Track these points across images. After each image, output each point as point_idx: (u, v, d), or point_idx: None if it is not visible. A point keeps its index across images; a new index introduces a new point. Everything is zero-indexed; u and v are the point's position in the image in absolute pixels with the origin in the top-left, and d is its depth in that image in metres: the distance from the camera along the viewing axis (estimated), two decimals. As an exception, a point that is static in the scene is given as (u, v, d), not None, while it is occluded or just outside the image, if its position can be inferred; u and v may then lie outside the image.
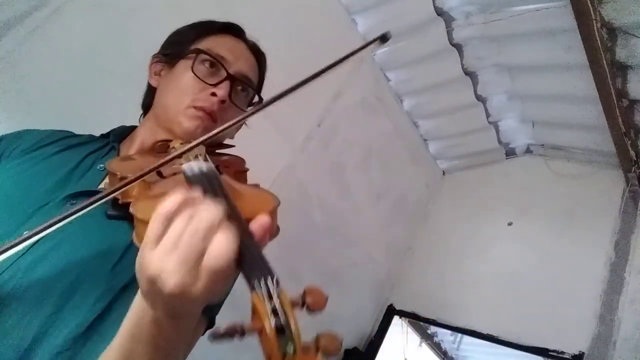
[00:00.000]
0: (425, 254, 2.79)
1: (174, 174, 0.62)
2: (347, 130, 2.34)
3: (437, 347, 3.75)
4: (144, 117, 0.89)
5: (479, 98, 2.50)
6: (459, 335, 3.00)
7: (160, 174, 0.62)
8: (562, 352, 2.04)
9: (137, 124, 0.90)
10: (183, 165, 0.57)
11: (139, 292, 0.46)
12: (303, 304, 0.38)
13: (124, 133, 0.86)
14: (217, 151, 0.85)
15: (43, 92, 1.26)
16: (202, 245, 0.38)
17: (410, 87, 2.57)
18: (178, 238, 0.39)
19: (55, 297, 0.58)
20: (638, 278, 2.07)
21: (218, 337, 0.35)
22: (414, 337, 3.48)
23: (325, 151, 2.26)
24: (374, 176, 2.59)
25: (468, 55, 2.30)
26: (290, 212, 2.09)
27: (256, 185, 0.68)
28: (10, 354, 0.54)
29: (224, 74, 0.79)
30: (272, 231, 0.43)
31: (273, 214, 0.52)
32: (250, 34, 0.91)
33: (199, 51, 0.80)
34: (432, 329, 3.49)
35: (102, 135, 0.86)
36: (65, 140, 0.80)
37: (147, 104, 0.88)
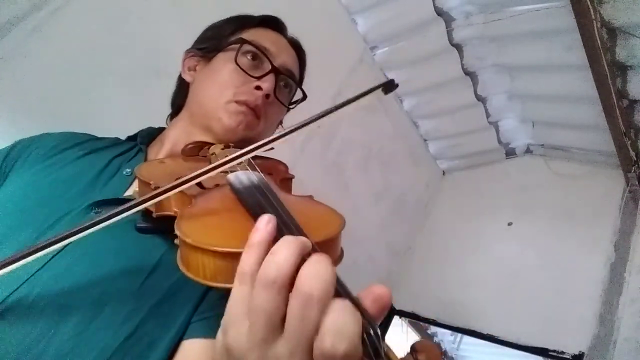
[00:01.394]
0: (425, 254, 2.79)
1: (217, 184, 0.55)
2: (347, 130, 2.34)
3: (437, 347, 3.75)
4: (172, 117, 0.83)
5: (479, 98, 2.50)
6: (459, 335, 2.99)
7: (200, 185, 0.54)
8: (562, 352, 2.04)
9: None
10: (229, 176, 0.52)
11: None
12: None
13: (151, 135, 0.80)
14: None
15: (43, 92, 1.26)
16: (314, 327, 0.29)
17: (410, 87, 2.57)
18: (271, 316, 0.30)
19: (78, 316, 0.50)
20: (638, 278, 2.06)
21: None
22: (414, 337, 3.48)
23: (325, 151, 2.26)
24: (374, 176, 2.59)
25: (468, 55, 2.30)
26: (290, 212, 2.08)
27: (310, 198, 0.59)
28: None
29: (268, 66, 0.74)
30: (387, 301, 0.34)
31: (340, 236, 0.45)
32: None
33: (243, 41, 0.73)
34: (432, 329, 3.49)
35: (129, 138, 0.81)
36: (88, 144, 0.75)
37: (179, 103, 0.82)
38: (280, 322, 0.31)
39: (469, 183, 2.94)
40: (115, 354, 0.49)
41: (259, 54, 0.74)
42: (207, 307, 0.56)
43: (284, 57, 0.78)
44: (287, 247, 0.32)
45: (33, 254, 0.42)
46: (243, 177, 0.51)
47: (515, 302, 2.28)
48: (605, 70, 1.81)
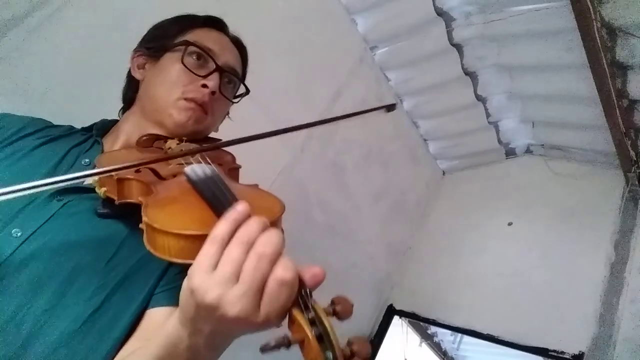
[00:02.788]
0: (425, 254, 2.79)
1: (173, 175, 0.62)
2: (347, 130, 2.34)
3: (437, 347, 3.75)
4: (124, 111, 0.88)
5: (479, 98, 2.50)
6: (459, 335, 2.99)
7: (157, 175, 0.62)
8: (562, 352, 2.04)
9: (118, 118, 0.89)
10: (186, 169, 0.58)
11: (173, 318, 0.47)
12: (334, 312, 0.41)
13: (106, 127, 0.85)
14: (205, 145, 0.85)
15: (43, 92, 1.26)
16: (267, 273, 0.40)
17: (410, 87, 2.57)
18: (238, 265, 0.41)
19: (49, 292, 0.57)
20: (638, 278, 2.06)
21: (269, 349, 0.39)
22: (414, 337, 3.48)
23: (325, 151, 2.26)
24: (374, 176, 2.59)
25: (468, 55, 2.30)
26: (290, 212, 2.08)
27: (255, 186, 0.68)
28: (4, 351, 0.53)
29: (212, 65, 0.80)
30: (320, 279, 0.44)
31: (281, 218, 0.55)
32: (247, 32, 0.91)
33: (188, 43, 0.79)
34: (432, 329, 3.49)
35: (83, 129, 0.85)
36: (45, 131, 0.78)
37: (129, 98, 0.87)
38: (239, 271, 0.41)
39: (469, 183, 2.94)
40: (85, 325, 0.57)
41: (204, 54, 0.80)
42: (168, 280, 0.65)
43: (227, 56, 0.83)
44: (257, 222, 0.43)
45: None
46: (198, 169, 0.57)
47: (515, 302, 2.28)
48: (605, 70, 1.81)
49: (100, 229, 0.64)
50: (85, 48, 1.34)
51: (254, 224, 0.43)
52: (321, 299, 0.42)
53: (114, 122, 0.86)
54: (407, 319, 2.82)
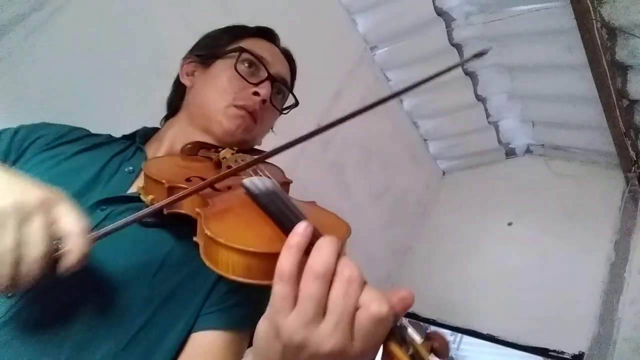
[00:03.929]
0: (425, 254, 2.79)
1: (228, 187, 0.58)
2: (347, 130, 2.34)
3: (437, 347, 3.75)
4: (167, 118, 0.86)
5: (479, 98, 2.50)
6: (459, 335, 2.99)
7: (212, 186, 0.57)
8: (562, 352, 2.04)
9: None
10: (244, 181, 0.55)
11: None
12: (431, 349, 0.39)
13: (148, 134, 0.83)
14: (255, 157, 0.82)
15: (43, 92, 1.26)
16: (357, 300, 0.37)
17: (410, 87, 2.56)
18: (319, 300, 0.37)
19: (90, 309, 0.54)
20: (638, 278, 2.06)
21: None
22: (413, 338, 3.47)
23: (325, 151, 2.26)
24: (374, 176, 2.58)
25: (468, 55, 2.30)
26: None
27: (313, 203, 0.64)
28: None
29: (264, 74, 0.79)
30: (410, 302, 0.42)
31: (345, 247, 0.50)
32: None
33: (242, 49, 0.78)
34: (432, 329, 3.49)
35: (124, 137, 0.83)
36: (86, 139, 0.76)
37: (175, 105, 0.86)
38: (324, 307, 0.37)
39: (469, 183, 2.94)
40: (130, 343, 0.54)
41: (256, 62, 0.79)
42: (216, 300, 0.61)
43: (279, 66, 0.83)
44: (329, 245, 0.38)
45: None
46: (258, 182, 0.54)
47: (515, 302, 2.28)
48: (605, 70, 1.81)
49: (145, 240, 0.60)
50: (86, 48, 1.34)
51: (326, 248, 0.38)
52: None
53: (155, 130, 0.85)
54: (407, 319, 2.80)
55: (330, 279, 0.38)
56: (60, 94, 1.28)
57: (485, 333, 2.30)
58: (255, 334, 0.42)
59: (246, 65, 0.78)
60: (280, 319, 0.38)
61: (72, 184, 0.64)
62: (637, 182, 2.23)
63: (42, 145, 0.72)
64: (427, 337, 0.39)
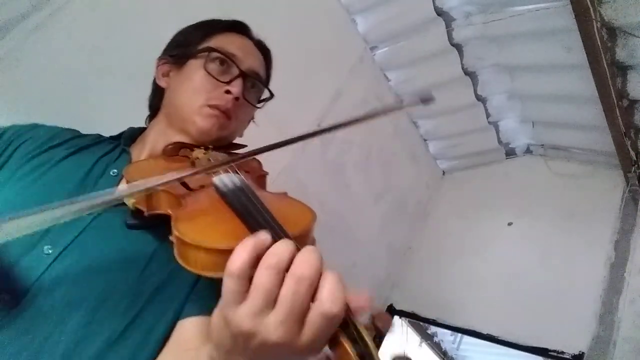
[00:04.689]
0: (425, 254, 2.79)
1: (202, 186, 0.61)
2: (347, 130, 2.33)
3: (437, 347, 3.75)
4: (150, 119, 0.87)
5: (479, 98, 2.50)
6: (459, 335, 2.99)
7: (186, 186, 0.61)
8: (562, 352, 2.04)
9: (142, 124, 0.88)
10: (214, 179, 0.58)
11: (204, 353, 0.46)
12: (376, 328, 0.41)
13: (133, 135, 0.84)
14: (232, 151, 0.83)
15: (44, 92, 1.26)
16: (307, 297, 0.38)
17: (410, 87, 2.57)
18: (269, 292, 0.38)
19: (83, 310, 0.57)
20: (638, 278, 2.06)
21: None
22: (414, 337, 3.48)
23: (325, 151, 2.26)
24: (374, 176, 2.59)
25: (468, 55, 2.30)
26: (290, 212, 2.08)
27: (284, 194, 0.66)
28: None
29: (235, 71, 0.79)
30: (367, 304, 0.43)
31: (313, 228, 0.53)
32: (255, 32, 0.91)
33: (210, 49, 0.79)
34: (432, 329, 3.49)
35: (112, 137, 0.84)
36: (74, 141, 0.77)
37: (155, 106, 0.86)
38: (274, 299, 0.39)
39: (469, 183, 2.94)
40: (120, 339, 0.57)
41: (227, 60, 0.79)
42: (200, 289, 0.64)
43: (251, 61, 0.83)
44: (285, 244, 0.41)
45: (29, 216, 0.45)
46: (227, 180, 0.57)
47: (515, 302, 2.28)
48: (605, 70, 1.81)
49: (131, 241, 0.63)
50: (85, 48, 1.34)
51: (282, 245, 0.40)
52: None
53: (141, 130, 0.86)
54: (407, 319, 2.82)
55: (283, 273, 0.39)
56: (60, 94, 1.27)
57: (485, 333, 2.30)
58: (210, 323, 0.44)
59: (217, 63, 0.79)
60: (230, 310, 0.40)
61: (60, 191, 0.67)
62: (637, 182, 2.23)
63: (31, 150, 0.73)
64: (371, 318, 0.41)
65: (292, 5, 1.96)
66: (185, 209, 0.54)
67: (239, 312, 0.39)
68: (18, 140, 0.74)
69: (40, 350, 0.53)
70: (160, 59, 0.87)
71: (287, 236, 0.44)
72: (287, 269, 0.39)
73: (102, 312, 0.57)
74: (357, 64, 2.34)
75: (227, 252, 0.42)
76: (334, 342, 0.40)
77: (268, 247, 0.40)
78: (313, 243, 0.53)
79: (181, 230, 0.48)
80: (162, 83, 0.84)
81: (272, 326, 0.38)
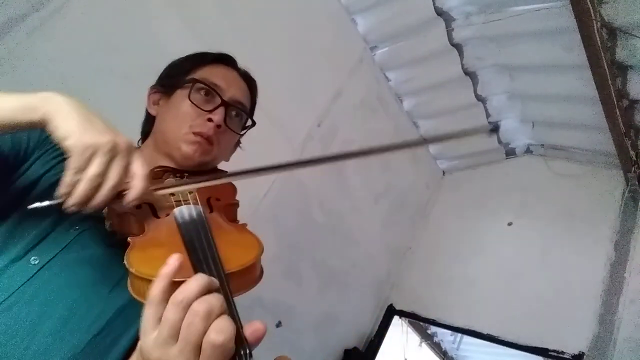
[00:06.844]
0: (425, 254, 2.79)
1: (167, 214, 0.65)
2: (347, 130, 2.34)
3: (437, 347, 3.75)
4: (142, 143, 0.93)
5: (479, 98, 2.50)
6: (459, 335, 2.99)
7: (154, 212, 0.65)
8: (562, 352, 2.04)
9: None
10: (175, 210, 0.63)
11: None
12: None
13: None
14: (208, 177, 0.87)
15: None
16: (201, 331, 0.43)
17: (410, 87, 2.57)
18: (174, 325, 0.44)
19: (55, 319, 0.61)
20: (638, 278, 2.06)
21: None
22: (414, 337, 3.48)
23: (325, 151, 2.26)
24: (374, 176, 2.59)
25: (468, 55, 2.30)
26: (290, 212, 2.09)
27: (244, 226, 0.71)
28: None
29: (218, 100, 0.85)
30: (261, 333, 0.47)
31: (257, 263, 0.59)
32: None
33: (194, 81, 0.85)
34: (432, 329, 3.49)
35: None
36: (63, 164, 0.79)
37: (146, 131, 0.92)
38: (179, 331, 0.44)
39: (469, 183, 2.94)
40: (86, 349, 0.61)
41: (211, 90, 0.85)
42: None
43: (233, 91, 0.88)
44: (196, 281, 0.45)
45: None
46: (185, 211, 0.61)
47: (515, 302, 2.28)
48: (605, 70, 1.81)
49: (107, 259, 0.68)
50: (85, 48, 1.34)
51: (193, 282, 0.45)
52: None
53: None
54: (407, 319, 2.82)
55: (187, 308, 0.44)
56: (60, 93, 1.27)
57: (485, 333, 2.30)
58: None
59: (202, 93, 0.85)
60: (145, 338, 0.45)
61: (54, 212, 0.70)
62: (637, 182, 2.23)
63: (50, 160, 0.74)
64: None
65: (292, 5, 1.96)
66: (144, 236, 0.60)
67: (148, 342, 0.45)
68: (44, 145, 0.76)
69: (10, 356, 0.56)
70: (151, 88, 0.93)
71: (220, 275, 0.50)
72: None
73: (72, 323, 0.61)
74: (357, 64, 2.34)
75: (172, 284, 0.46)
76: None
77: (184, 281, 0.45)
78: (260, 274, 0.61)
79: (130, 259, 0.53)
80: (152, 111, 0.91)
81: (174, 356, 0.43)
